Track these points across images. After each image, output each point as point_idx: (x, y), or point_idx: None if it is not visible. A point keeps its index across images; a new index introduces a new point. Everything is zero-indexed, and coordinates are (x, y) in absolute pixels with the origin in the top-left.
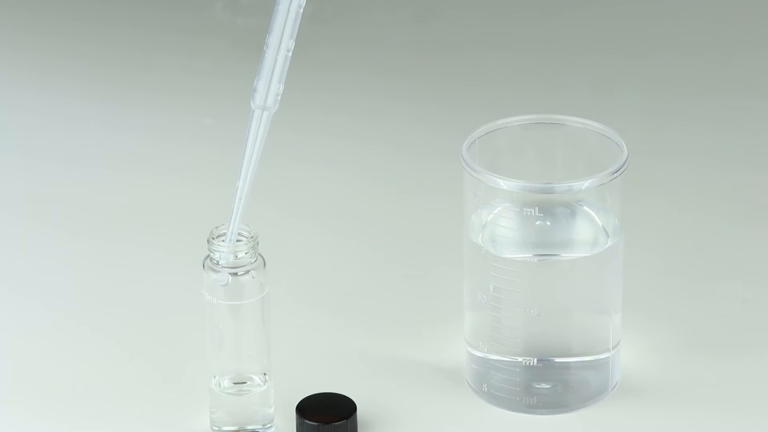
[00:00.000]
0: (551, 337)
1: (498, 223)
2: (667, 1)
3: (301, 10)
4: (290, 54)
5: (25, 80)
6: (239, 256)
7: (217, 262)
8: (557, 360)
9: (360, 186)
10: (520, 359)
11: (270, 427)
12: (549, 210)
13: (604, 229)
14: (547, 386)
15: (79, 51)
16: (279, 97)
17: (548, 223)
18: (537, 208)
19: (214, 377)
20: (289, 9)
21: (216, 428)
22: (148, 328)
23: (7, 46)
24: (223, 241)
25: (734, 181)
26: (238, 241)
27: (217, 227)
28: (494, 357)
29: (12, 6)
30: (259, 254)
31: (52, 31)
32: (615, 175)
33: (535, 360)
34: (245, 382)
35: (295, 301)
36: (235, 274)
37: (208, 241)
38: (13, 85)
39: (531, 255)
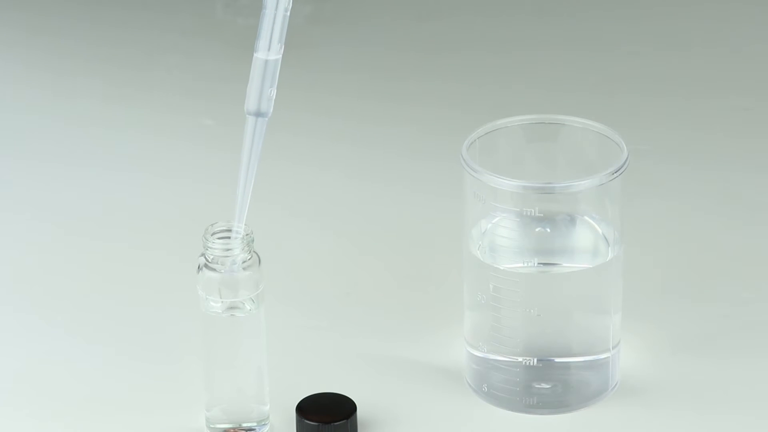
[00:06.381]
0: (551, 337)
1: (497, 233)
2: (668, 0)
3: (287, 14)
4: (280, 57)
5: (24, 80)
6: (235, 253)
7: (212, 260)
8: (557, 360)
9: (360, 186)
10: (520, 359)
11: (265, 424)
12: (549, 217)
13: (605, 237)
14: (547, 386)
15: (79, 51)
16: (272, 101)
17: (548, 230)
18: (537, 209)
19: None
20: (276, 12)
21: (211, 426)
22: (145, 327)
23: (7, 46)
24: (218, 238)
25: (734, 181)
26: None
27: (212, 224)
28: (494, 357)
29: (12, 6)
30: (254, 252)
31: (52, 31)
32: (615, 175)
33: (535, 360)
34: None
35: (295, 301)
36: (231, 271)
37: (203, 238)
38: (13, 84)
39: (531, 263)
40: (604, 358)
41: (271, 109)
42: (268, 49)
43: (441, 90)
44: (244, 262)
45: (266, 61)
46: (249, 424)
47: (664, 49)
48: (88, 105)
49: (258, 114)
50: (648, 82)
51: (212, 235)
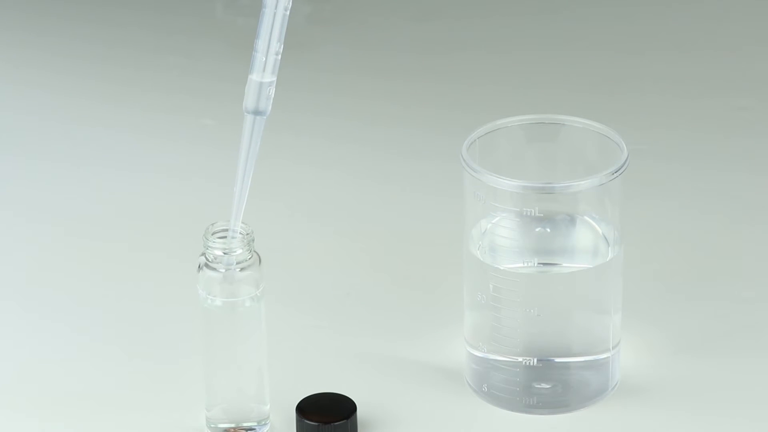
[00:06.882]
0: (551, 337)
1: (497, 233)
2: (668, 0)
3: (287, 12)
4: (279, 57)
5: (25, 80)
6: (235, 252)
7: (213, 259)
8: (557, 360)
9: (360, 186)
10: (520, 359)
11: (265, 424)
12: (549, 217)
13: (605, 237)
14: (547, 386)
15: (79, 51)
16: (271, 100)
17: (548, 230)
18: (537, 209)
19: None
20: (275, 12)
21: (211, 426)
22: (145, 326)
23: (7, 46)
24: (219, 238)
25: (734, 181)
26: (233, 237)
27: (213, 224)
28: (494, 357)
29: (13, 6)
30: (254, 251)
31: (53, 31)
32: (615, 175)
33: (535, 360)
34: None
35: (295, 301)
36: (232, 270)
37: (203, 237)
38: (13, 84)
39: (531, 263)
40: (604, 358)
41: (270, 108)
42: (264, 64)
43: (441, 90)
44: (244, 261)
45: (264, 62)
46: (249, 424)
47: (664, 49)
48: (88, 105)
49: (256, 112)
50: (648, 82)
51: (213, 234)
